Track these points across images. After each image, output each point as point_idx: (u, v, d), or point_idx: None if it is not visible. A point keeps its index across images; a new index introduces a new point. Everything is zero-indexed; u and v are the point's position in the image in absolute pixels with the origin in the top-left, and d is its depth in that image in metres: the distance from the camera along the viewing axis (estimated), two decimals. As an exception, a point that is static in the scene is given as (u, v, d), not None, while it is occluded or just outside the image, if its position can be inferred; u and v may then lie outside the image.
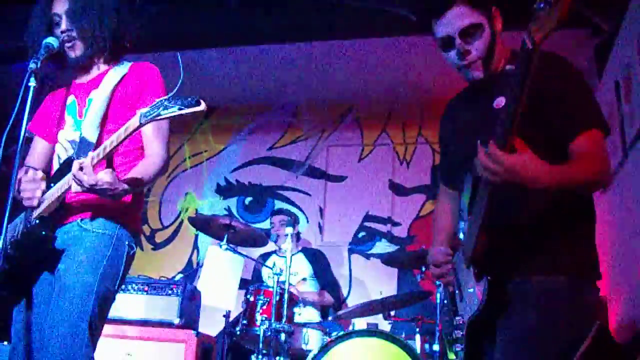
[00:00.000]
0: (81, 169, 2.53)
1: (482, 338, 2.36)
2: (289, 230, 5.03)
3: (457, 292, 2.52)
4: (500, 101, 2.29)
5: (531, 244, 2.29)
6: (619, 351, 3.35)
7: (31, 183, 2.72)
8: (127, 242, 2.88)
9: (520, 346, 2.24)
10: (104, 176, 2.57)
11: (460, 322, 2.45)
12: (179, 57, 2.45)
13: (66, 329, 2.62)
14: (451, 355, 2.56)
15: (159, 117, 2.44)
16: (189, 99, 2.39)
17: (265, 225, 7.00)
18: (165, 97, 2.43)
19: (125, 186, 2.67)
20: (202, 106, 2.39)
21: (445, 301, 2.67)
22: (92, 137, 2.83)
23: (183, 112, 2.39)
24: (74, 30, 2.90)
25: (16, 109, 2.54)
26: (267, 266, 5.63)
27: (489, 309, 2.27)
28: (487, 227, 2.25)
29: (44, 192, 2.74)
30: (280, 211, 6.66)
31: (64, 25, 2.91)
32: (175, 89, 2.43)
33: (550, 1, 1.82)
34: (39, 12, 2.99)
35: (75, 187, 2.59)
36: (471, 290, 2.36)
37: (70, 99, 3.04)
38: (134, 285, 4.93)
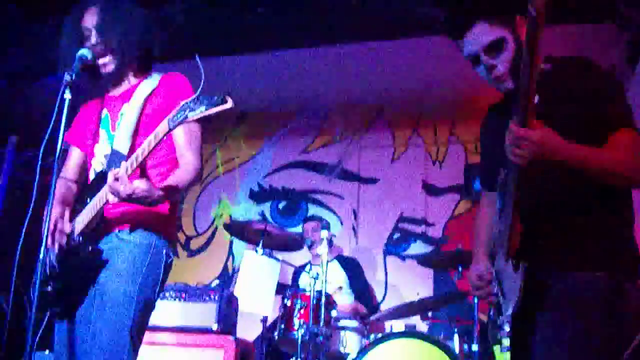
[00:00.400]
0: (117, 179, 2.55)
1: (527, 332, 2.34)
2: (324, 234, 5.03)
3: (500, 294, 2.50)
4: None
5: (568, 236, 2.29)
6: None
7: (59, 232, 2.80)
8: (164, 251, 2.90)
9: (558, 348, 2.22)
10: (140, 184, 2.58)
11: (505, 321, 2.43)
12: (198, 58, 2.42)
13: (108, 338, 2.65)
14: (499, 357, 2.54)
15: (186, 120, 2.43)
16: (215, 97, 2.37)
17: (300, 229, 7.01)
18: (190, 98, 2.42)
19: (162, 193, 2.68)
20: (229, 103, 2.37)
21: (490, 309, 2.65)
22: (124, 150, 2.87)
23: (210, 111, 2.37)
24: (104, 44, 2.92)
25: (52, 121, 2.57)
26: (304, 271, 5.64)
27: (529, 298, 2.25)
28: (521, 216, 2.26)
29: (80, 210, 2.79)
30: (311, 218, 6.66)
31: (93, 40, 2.94)
32: (199, 90, 2.41)
33: None
34: (70, 26, 3.02)
35: (112, 198, 2.61)
36: (512, 283, 2.33)
37: (104, 112, 3.07)
38: (171, 292, 4.96)
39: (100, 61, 2.93)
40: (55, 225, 2.78)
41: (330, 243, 5.98)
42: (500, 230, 2.41)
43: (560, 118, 2.16)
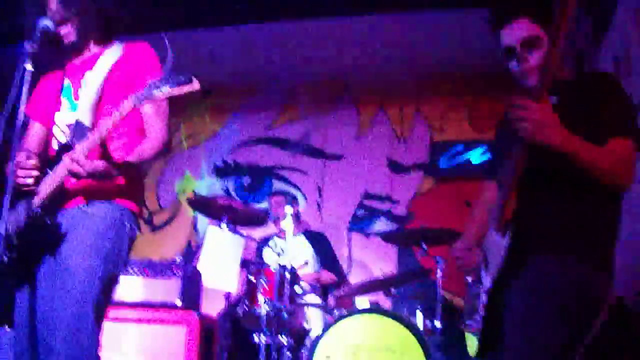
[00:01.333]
0: (74, 161, 2.52)
1: (502, 297, 2.48)
2: (288, 209, 5.02)
3: (483, 266, 2.64)
4: (552, 99, 2.44)
5: (556, 221, 2.46)
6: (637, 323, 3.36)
7: (23, 170, 2.72)
8: (128, 224, 2.87)
9: (525, 315, 2.37)
10: (98, 165, 2.58)
11: (483, 291, 2.58)
12: (165, 38, 2.43)
13: (72, 312, 2.62)
14: (469, 340, 2.68)
15: (151, 98, 2.44)
16: (181, 77, 2.38)
17: (264, 205, 6.98)
18: (158, 78, 2.43)
19: (120, 171, 2.69)
20: (195, 84, 2.39)
21: (470, 283, 2.81)
22: (87, 120, 2.83)
23: (176, 91, 2.39)
24: (66, 12, 2.87)
25: (13, 92, 2.52)
26: (269, 246, 5.62)
27: (510, 265, 2.42)
28: (517, 188, 2.45)
29: (41, 178, 2.73)
30: (277, 192, 6.64)
31: (55, 8, 2.88)
32: (167, 69, 2.42)
33: None
34: None
35: (72, 180, 2.62)
36: (497, 252, 2.48)
37: (66, 81, 3.03)
38: (134, 267, 4.92)
39: (62, 31, 2.89)
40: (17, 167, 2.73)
41: (297, 218, 6.00)
42: (496, 204, 2.57)
43: (571, 122, 2.32)
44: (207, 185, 7.80)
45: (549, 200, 2.48)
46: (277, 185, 7.51)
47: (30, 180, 2.71)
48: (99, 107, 2.87)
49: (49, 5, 2.90)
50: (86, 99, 2.87)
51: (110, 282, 2.79)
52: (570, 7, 2.12)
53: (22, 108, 2.55)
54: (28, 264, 2.80)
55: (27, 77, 2.56)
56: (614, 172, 2.37)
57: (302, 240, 6.25)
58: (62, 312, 2.62)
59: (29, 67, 2.57)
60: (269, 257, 5.79)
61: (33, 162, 2.73)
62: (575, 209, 2.45)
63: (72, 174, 2.56)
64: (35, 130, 3.13)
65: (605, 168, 2.34)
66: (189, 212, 7.61)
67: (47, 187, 2.73)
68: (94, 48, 3.03)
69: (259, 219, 5.64)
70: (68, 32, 2.91)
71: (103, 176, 2.61)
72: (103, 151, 2.65)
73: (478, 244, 2.75)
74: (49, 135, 3.06)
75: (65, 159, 2.55)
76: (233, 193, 7.64)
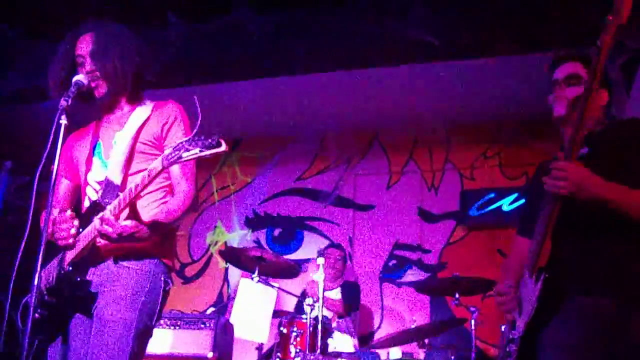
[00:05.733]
0: (104, 221, 2.56)
1: (534, 346, 2.52)
2: (320, 260, 4.99)
3: (517, 314, 2.66)
4: (584, 150, 2.59)
5: (591, 262, 2.51)
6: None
7: (64, 223, 2.74)
8: (162, 278, 2.89)
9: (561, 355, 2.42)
10: (128, 223, 2.62)
11: (516, 336, 2.59)
12: (195, 99, 2.46)
13: (106, 365, 2.62)
14: None
15: (180, 160, 2.46)
16: (210, 140, 2.41)
17: (295, 256, 6.97)
18: (187, 139, 2.45)
19: (149, 231, 2.70)
20: (223, 147, 2.41)
21: (504, 329, 2.82)
22: (117, 179, 2.85)
23: (204, 154, 2.42)
24: (98, 70, 2.91)
25: (48, 146, 2.55)
26: (295, 296, 5.57)
27: (543, 308, 2.45)
28: (552, 236, 2.51)
29: (76, 234, 2.76)
30: (335, 246, 6.55)
31: (87, 66, 2.92)
32: (195, 131, 2.44)
33: (615, 15, 2.35)
34: (62, 53, 3.02)
35: (101, 241, 2.66)
36: (530, 297, 2.52)
37: (97, 140, 3.06)
38: (166, 320, 4.92)
39: (93, 86, 2.92)
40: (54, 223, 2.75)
41: (341, 273, 5.96)
42: (529, 252, 2.61)
43: (604, 170, 2.44)
44: (239, 236, 7.81)
45: (585, 244, 2.53)
46: (308, 236, 7.48)
47: (70, 238, 2.74)
48: (129, 166, 2.90)
49: (83, 64, 2.95)
50: (116, 159, 2.90)
51: (144, 335, 2.79)
52: (602, 59, 2.34)
53: (57, 162, 2.57)
54: (61, 319, 2.82)
55: (62, 131, 2.60)
56: None
57: (338, 292, 6.18)
58: (97, 364, 2.62)
59: (63, 121, 2.59)
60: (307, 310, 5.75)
61: (69, 213, 2.76)
62: (610, 251, 2.49)
63: (103, 235, 2.60)
64: (63, 187, 3.15)
65: None
66: (220, 263, 7.61)
67: (79, 244, 2.76)
68: (125, 106, 3.06)
69: (291, 271, 5.63)
70: (99, 87, 2.94)
71: (132, 237, 2.65)
72: (132, 211, 2.68)
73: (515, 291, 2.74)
74: (79, 193, 3.09)
75: (96, 220, 2.59)
76: (264, 244, 7.64)
